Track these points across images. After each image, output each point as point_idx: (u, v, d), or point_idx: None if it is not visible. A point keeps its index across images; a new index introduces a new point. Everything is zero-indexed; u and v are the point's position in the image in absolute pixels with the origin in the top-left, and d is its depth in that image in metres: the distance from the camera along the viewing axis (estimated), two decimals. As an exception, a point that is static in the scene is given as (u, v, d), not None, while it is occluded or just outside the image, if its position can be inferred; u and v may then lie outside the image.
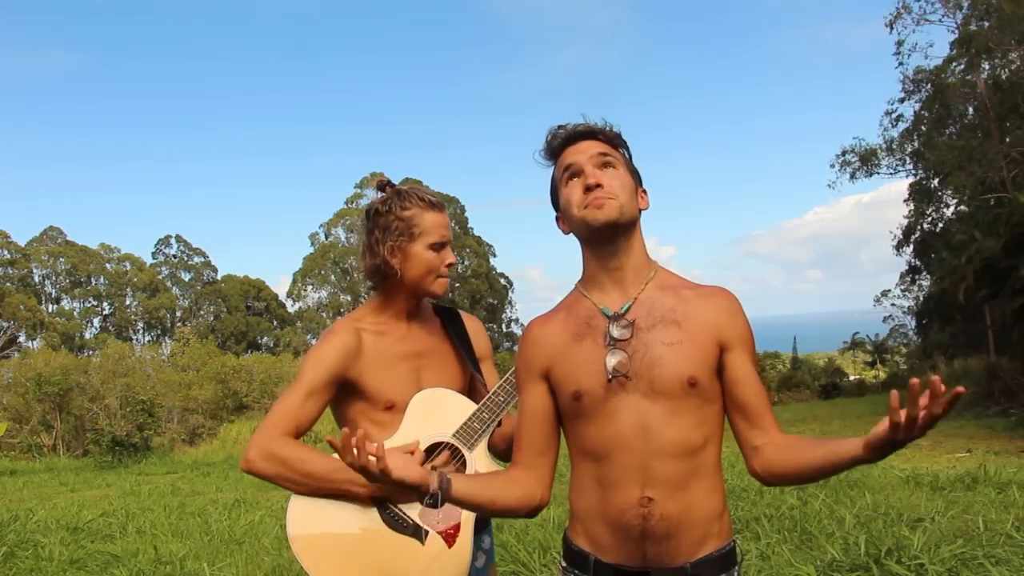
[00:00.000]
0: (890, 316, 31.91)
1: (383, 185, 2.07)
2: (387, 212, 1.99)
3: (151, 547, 5.99)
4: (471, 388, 2.11)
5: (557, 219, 1.64)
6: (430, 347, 2.07)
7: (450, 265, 2.03)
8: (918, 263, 27.37)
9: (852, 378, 29.41)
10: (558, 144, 1.60)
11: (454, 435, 1.94)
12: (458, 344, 2.10)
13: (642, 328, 1.52)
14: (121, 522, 7.37)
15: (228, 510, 7.98)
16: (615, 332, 1.52)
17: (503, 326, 46.38)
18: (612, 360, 1.50)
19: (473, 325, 2.18)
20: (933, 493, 6.13)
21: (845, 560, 4.08)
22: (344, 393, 1.98)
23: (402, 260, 1.98)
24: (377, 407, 1.97)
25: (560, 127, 1.61)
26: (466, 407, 1.97)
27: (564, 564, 1.60)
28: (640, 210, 1.59)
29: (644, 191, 1.62)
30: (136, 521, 7.40)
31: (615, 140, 1.60)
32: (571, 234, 1.60)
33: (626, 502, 1.48)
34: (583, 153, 1.57)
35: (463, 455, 1.94)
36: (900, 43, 22.34)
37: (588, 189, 1.53)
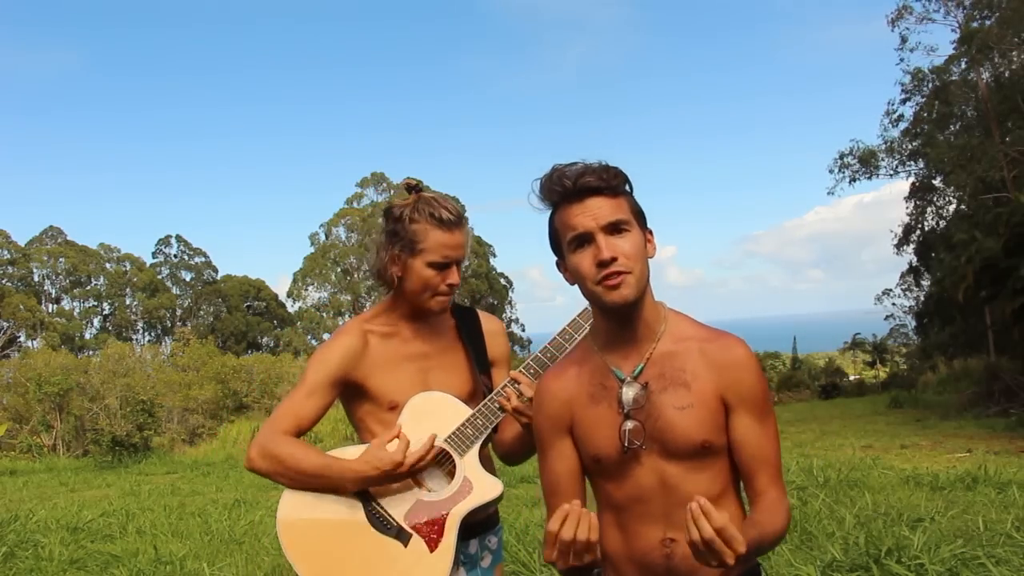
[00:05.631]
0: (890, 316, 31.86)
1: (411, 188, 2.03)
2: (399, 219, 1.97)
3: (151, 547, 5.99)
4: (481, 392, 2.08)
5: (558, 264, 1.59)
6: (439, 348, 2.05)
7: (451, 285, 1.97)
8: (919, 263, 27.33)
9: (852, 378, 29.33)
10: (559, 198, 1.52)
11: (446, 440, 1.93)
12: (469, 346, 2.08)
13: (654, 391, 1.52)
14: (121, 522, 7.38)
15: (228, 510, 7.98)
16: (628, 397, 1.52)
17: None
18: (626, 428, 1.52)
19: (492, 326, 2.14)
20: (933, 493, 6.13)
21: (845, 560, 4.09)
22: (351, 394, 2.00)
23: (402, 271, 1.97)
24: (382, 408, 1.98)
25: (559, 172, 1.51)
26: (463, 412, 1.95)
27: None
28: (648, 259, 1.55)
29: (651, 233, 1.57)
30: (136, 521, 7.41)
31: (619, 187, 1.52)
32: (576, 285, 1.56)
33: (649, 544, 1.53)
34: (592, 217, 1.48)
35: (453, 460, 1.94)
36: (904, 40, 22.39)
37: (602, 264, 1.47)
